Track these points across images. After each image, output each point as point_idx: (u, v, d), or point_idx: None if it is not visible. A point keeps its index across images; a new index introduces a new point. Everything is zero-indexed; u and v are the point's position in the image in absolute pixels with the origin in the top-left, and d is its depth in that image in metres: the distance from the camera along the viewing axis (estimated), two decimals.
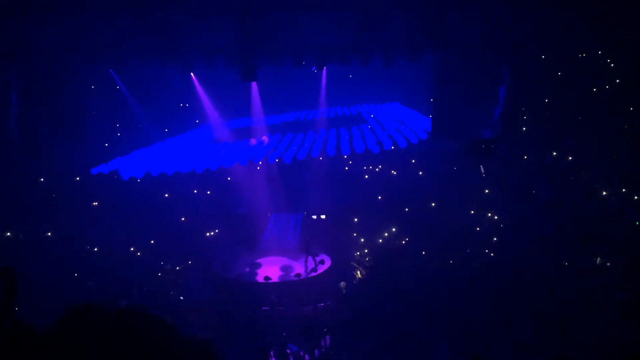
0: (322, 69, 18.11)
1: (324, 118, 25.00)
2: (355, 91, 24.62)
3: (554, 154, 20.62)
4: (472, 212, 21.13)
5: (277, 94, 21.82)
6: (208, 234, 21.36)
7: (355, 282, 18.45)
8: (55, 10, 11.99)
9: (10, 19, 12.44)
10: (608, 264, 16.92)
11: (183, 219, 21.43)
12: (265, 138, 24.68)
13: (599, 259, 17.08)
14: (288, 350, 13.54)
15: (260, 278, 17.83)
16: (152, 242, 19.68)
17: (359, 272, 18.13)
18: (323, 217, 22.96)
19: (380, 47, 14.93)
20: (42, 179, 19.52)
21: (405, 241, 20.29)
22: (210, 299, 17.09)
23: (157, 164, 22.62)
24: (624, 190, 18.55)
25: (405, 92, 24.16)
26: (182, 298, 16.89)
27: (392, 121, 25.22)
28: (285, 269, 18.85)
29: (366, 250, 19.83)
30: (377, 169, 24.12)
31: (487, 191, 21.34)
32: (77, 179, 19.98)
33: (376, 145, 23.50)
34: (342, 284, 18.19)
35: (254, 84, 20.53)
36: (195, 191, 23.01)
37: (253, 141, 24.74)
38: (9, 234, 17.50)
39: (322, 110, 24.65)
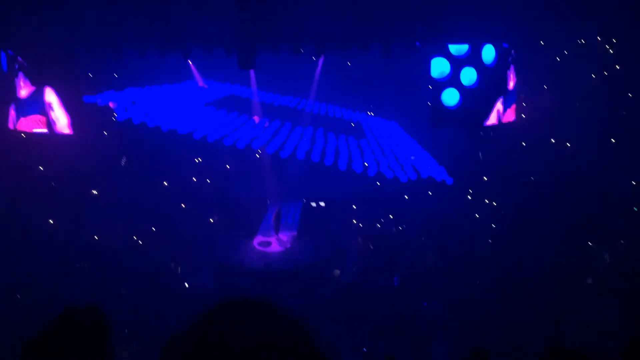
0: (319, 57, 18.04)
1: (321, 115, 24.63)
2: (352, 91, 24.17)
3: (553, 140, 20.66)
4: (470, 198, 21.19)
5: (272, 73, 21.41)
6: (211, 220, 21.40)
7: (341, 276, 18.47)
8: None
9: (6, 2, 12.40)
10: (606, 255, 17.03)
11: (183, 205, 21.44)
12: (256, 118, 24.37)
13: (594, 245, 17.19)
14: None
15: (260, 265, 17.92)
16: (153, 229, 19.71)
17: (337, 272, 18.27)
18: (322, 204, 22.98)
19: (379, 34, 14.89)
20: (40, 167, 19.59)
21: (403, 229, 20.36)
22: (211, 286, 17.21)
23: (153, 112, 22.09)
24: (622, 176, 18.62)
25: (403, 111, 23.65)
26: (186, 285, 16.94)
27: (393, 146, 24.69)
28: (284, 256, 18.94)
29: (360, 238, 19.95)
30: (372, 152, 24.15)
31: (485, 178, 21.39)
32: None
33: (376, 172, 23.17)
34: (336, 272, 18.29)
35: None
36: (195, 179, 22.95)
37: (256, 119, 24.38)
38: None
39: (317, 104, 24.29)
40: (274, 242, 20.17)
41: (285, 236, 20.52)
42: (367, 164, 23.18)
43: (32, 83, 15.15)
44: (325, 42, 15.06)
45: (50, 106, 15.28)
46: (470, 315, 14.27)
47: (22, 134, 16.09)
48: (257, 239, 20.37)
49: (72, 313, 2.20)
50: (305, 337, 1.19)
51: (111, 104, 21.82)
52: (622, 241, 17.05)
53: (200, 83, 22.48)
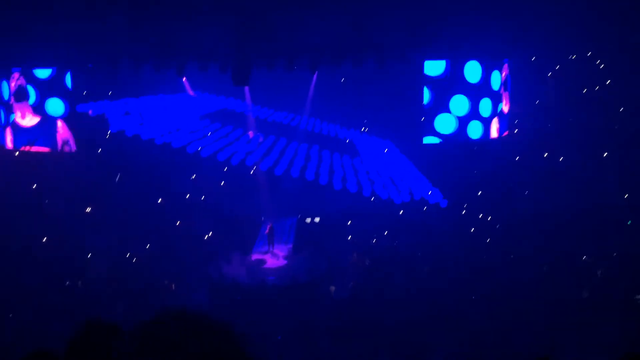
0: (314, 72, 18.11)
1: (315, 132, 24.53)
2: (346, 108, 24.10)
3: (545, 154, 20.78)
4: (464, 212, 21.22)
5: (266, 87, 21.34)
6: (205, 237, 21.30)
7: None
8: (52, 12, 12.04)
9: (7, 19, 12.50)
10: (599, 271, 17.07)
11: (178, 223, 21.34)
12: (250, 133, 24.24)
13: (588, 258, 17.23)
14: None
15: (255, 281, 17.82)
16: (147, 246, 19.58)
17: (333, 288, 18.30)
18: (317, 220, 22.93)
19: (372, 49, 15.00)
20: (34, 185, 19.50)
21: (398, 244, 20.33)
22: (205, 304, 17.07)
23: (147, 124, 21.56)
24: (615, 188, 18.72)
25: (396, 131, 23.62)
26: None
27: (387, 167, 24.52)
28: (279, 272, 18.85)
29: (356, 254, 19.93)
30: (366, 172, 24.16)
31: (480, 192, 21.43)
32: None
33: (370, 193, 23.06)
34: (332, 288, 18.22)
35: None
36: (189, 195, 22.84)
37: (251, 134, 24.20)
38: None
39: (312, 120, 24.22)
40: (269, 259, 20.12)
41: (280, 251, 20.49)
42: (363, 187, 23.09)
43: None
44: (319, 57, 15.16)
45: (67, 143, 15.03)
46: (466, 329, 14.23)
47: (16, 152, 16.04)
48: (252, 256, 20.32)
49: (93, 330, 2.17)
50: (239, 353, 1.22)
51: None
52: (615, 254, 17.09)
53: (191, 92, 22.11)
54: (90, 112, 19.47)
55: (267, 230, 20.64)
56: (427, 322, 14.74)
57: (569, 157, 20.24)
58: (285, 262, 19.72)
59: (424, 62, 15.05)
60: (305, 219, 22.89)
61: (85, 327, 2.13)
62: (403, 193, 22.68)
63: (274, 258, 19.98)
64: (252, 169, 23.83)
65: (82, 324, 2.16)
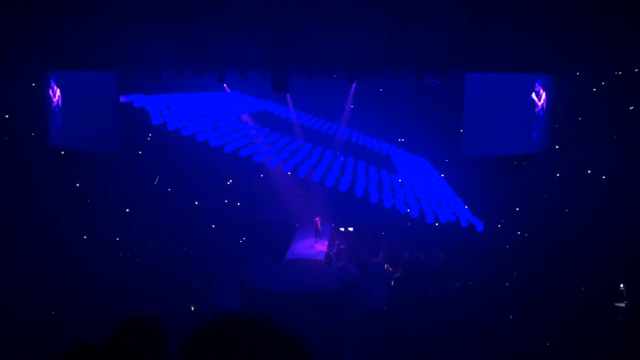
0: (352, 83, 18.14)
1: (352, 142, 24.58)
2: (381, 119, 24.05)
3: (589, 171, 20.29)
4: (500, 226, 20.91)
5: (305, 94, 21.49)
6: (241, 241, 21.57)
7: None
8: (95, 22, 12.43)
9: (60, 31, 12.96)
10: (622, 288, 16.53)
11: (214, 226, 21.64)
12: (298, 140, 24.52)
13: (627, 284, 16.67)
14: None
15: (286, 288, 17.86)
16: (184, 249, 19.90)
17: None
18: (351, 229, 22.97)
19: (410, 62, 14.93)
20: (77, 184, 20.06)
21: (432, 256, 20.18)
22: (238, 308, 17.19)
23: (187, 120, 21.20)
24: None
25: (434, 147, 23.49)
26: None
27: (421, 186, 24.49)
28: (311, 279, 18.85)
29: (387, 265, 19.87)
30: (399, 180, 24.07)
31: (517, 209, 21.07)
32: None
33: (405, 208, 23.12)
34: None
35: None
36: (226, 201, 23.11)
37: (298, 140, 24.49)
38: None
39: (348, 130, 24.30)
40: (316, 248, 21.20)
41: (323, 244, 21.59)
42: (410, 206, 23.07)
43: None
44: (357, 68, 15.15)
45: None
46: (497, 346, 13.95)
47: (62, 152, 16.47)
48: (291, 254, 20.83)
49: (132, 324, 2.24)
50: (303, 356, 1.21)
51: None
52: None
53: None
54: (133, 102, 19.37)
55: (315, 224, 21.86)
56: (457, 338, 14.53)
57: (612, 176, 19.72)
58: (324, 251, 20.63)
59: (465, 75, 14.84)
60: (338, 227, 23.02)
61: (122, 324, 2.17)
62: (440, 216, 22.48)
63: (317, 248, 21.19)
64: (288, 174, 23.98)
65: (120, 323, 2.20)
